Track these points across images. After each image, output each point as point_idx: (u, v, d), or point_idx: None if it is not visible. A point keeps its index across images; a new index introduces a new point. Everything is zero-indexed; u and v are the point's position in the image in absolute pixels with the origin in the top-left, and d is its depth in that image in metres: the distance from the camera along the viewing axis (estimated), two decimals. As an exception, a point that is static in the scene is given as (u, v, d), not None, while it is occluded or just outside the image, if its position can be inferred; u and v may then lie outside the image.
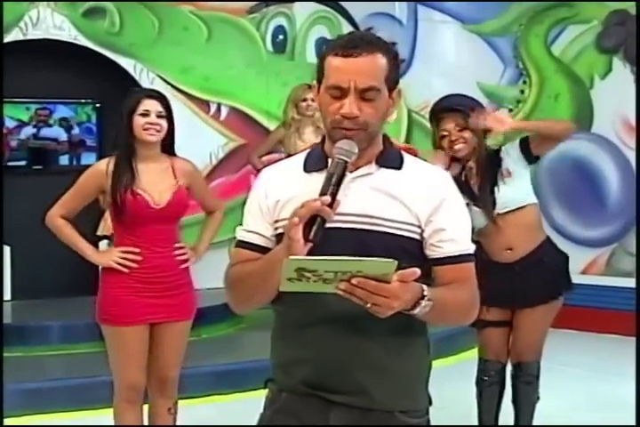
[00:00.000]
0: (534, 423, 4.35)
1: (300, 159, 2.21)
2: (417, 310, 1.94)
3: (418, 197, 2.10)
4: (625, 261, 7.90)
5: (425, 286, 1.95)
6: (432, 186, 2.14)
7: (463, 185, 4.10)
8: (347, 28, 8.83)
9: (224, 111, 8.19)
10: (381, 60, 2.06)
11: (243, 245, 2.20)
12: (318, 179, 2.04)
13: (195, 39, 8.07)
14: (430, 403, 2.28)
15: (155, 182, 3.79)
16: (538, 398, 4.31)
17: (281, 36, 8.52)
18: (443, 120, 4.13)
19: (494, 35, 8.74)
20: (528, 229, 4.17)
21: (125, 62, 7.78)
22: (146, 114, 3.76)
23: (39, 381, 5.59)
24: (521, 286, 4.15)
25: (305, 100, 6.49)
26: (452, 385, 5.06)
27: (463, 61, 8.64)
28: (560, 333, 7.28)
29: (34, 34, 7.42)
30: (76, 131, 7.97)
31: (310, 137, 6.40)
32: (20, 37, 7.37)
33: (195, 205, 4.06)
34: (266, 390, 2.27)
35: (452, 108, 4.13)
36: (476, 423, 4.41)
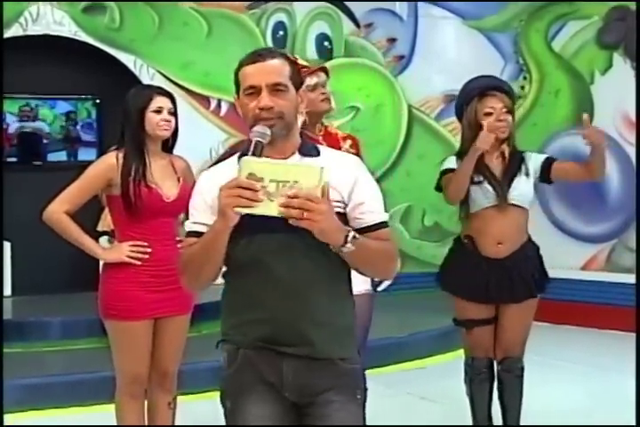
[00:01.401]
0: (533, 419, 4.34)
1: (233, 159, 2.60)
2: (347, 246, 2.33)
3: (338, 178, 2.45)
4: (625, 256, 7.90)
5: (351, 232, 2.35)
6: (347, 168, 2.54)
7: (479, 162, 4.12)
8: (347, 24, 8.84)
9: (224, 107, 8.18)
10: (283, 64, 2.52)
11: (192, 234, 2.54)
12: None
13: (195, 35, 8.07)
14: (359, 353, 2.66)
15: (161, 177, 3.81)
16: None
17: (281, 32, 8.52)
18: (488, 97, 4.14)
19: (495, 30, 8.74)
20: (518, 227, 4.20)
21: (125, 58, 7.78)
22: (159, 111, 3.78)
23: (39, 376, 5.59)
24: (510, 280, 4.17)
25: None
26: (449, 382, 5.06)
27: (463, 57, 8.64)
28: (560, 328, 7.31)
29: (34, 29, 7.43)
30: (75, 126, 7.98)
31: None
32: (21, 33, 7.37)
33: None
34: None
35: (500, 88, 4.19)
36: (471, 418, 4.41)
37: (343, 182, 2.49)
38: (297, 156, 2.53)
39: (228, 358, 2.58)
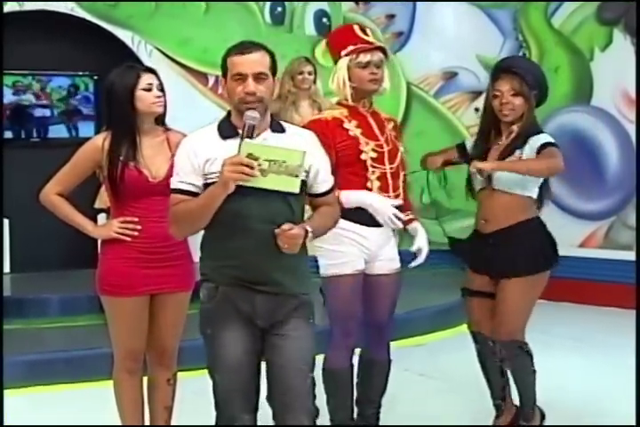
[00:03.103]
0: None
1: (212, 128, 3.18)
2: (307, 239, 3.04)
3: (299, 147, 2.99)
4: (623, 234, 7.90)
5: (308, 227, 3.02)
6: (306, 141, 3.18)
7: (484, 151, 4.17)
8: (346, 1, 8.79)
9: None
10: (265, 56, 3.12)
11: (182, 191, 3.11)
12: (232, 143, 3.01)
13: (193, 11, 8.02)
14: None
15: (151, 156, 3.79)
16: (534, 371, 4.28)
17: (279, 8, 8.47)
18: (498, 80, 4.15)
19: (494, 7, 8.69)
20: (504, 209, 4.15)
21: (123, 34, 7.74)
22: (149, 88, 3.77)
23: (38, 353, 5.61)
24: (492, 256, 4.15)
25: (302, 73, 6.44)
26: (449, 358, 5.09)
27: (463, 34, 8.59)
28: (557, 305, 7.33)
29: (30, 5, 7.37)
30: (74, 99, 7.97)
31: (306, 110, 6.36)
32: (16, 8, 7.33)
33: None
34: None
35: (509, 69, 4.16)
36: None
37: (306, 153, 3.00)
38: (269, 131, 3.12)
39: (208, 295, 3.14)
